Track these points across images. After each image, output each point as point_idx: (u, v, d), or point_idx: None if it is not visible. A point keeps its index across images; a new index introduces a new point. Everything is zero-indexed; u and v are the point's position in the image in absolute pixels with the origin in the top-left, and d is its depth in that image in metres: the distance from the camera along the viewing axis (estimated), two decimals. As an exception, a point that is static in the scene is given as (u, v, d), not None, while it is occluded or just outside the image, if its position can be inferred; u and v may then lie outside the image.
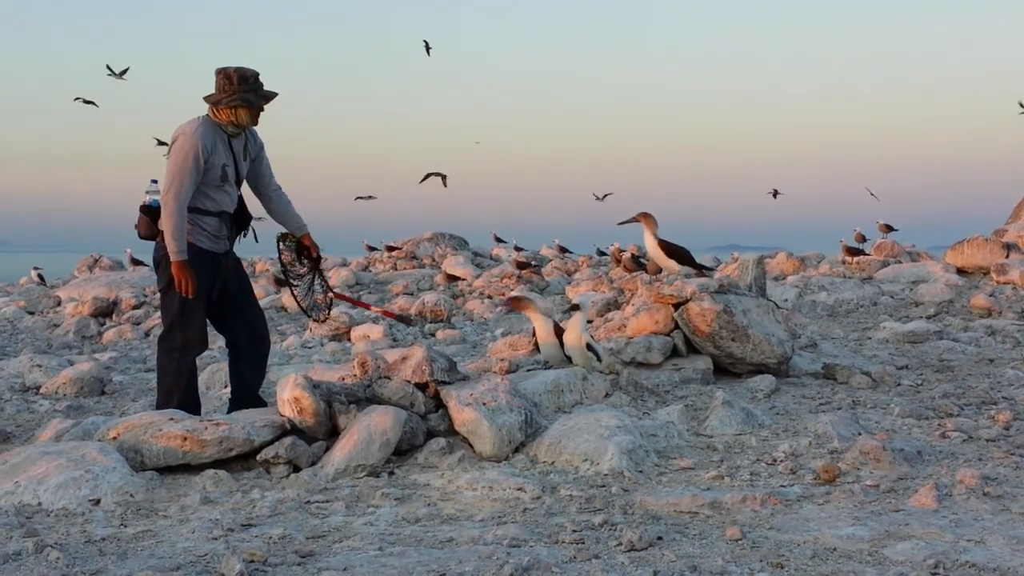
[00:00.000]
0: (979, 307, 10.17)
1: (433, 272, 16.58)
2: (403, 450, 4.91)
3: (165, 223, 5.26)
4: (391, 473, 4.68)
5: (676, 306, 6.56)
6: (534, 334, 6.33)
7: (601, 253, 18.58)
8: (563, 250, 19.47)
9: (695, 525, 3.82)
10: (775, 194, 16.64)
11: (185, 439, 4.75)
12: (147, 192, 5.42)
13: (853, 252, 14.85)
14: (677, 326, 6.58)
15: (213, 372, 7.93)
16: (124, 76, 12.91)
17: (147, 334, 12.47)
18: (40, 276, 17.84)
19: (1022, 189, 16.63)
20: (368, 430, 4.77)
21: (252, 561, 3.38)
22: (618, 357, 6.28)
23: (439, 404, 5.18)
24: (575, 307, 5.88)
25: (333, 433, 5.01)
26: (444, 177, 14.83)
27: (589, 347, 5.92)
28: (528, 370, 6.37)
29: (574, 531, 3.70)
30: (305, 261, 6.09)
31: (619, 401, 5.75)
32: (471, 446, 4.91)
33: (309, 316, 6.29)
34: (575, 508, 4.06)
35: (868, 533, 3.60)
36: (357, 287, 15.52)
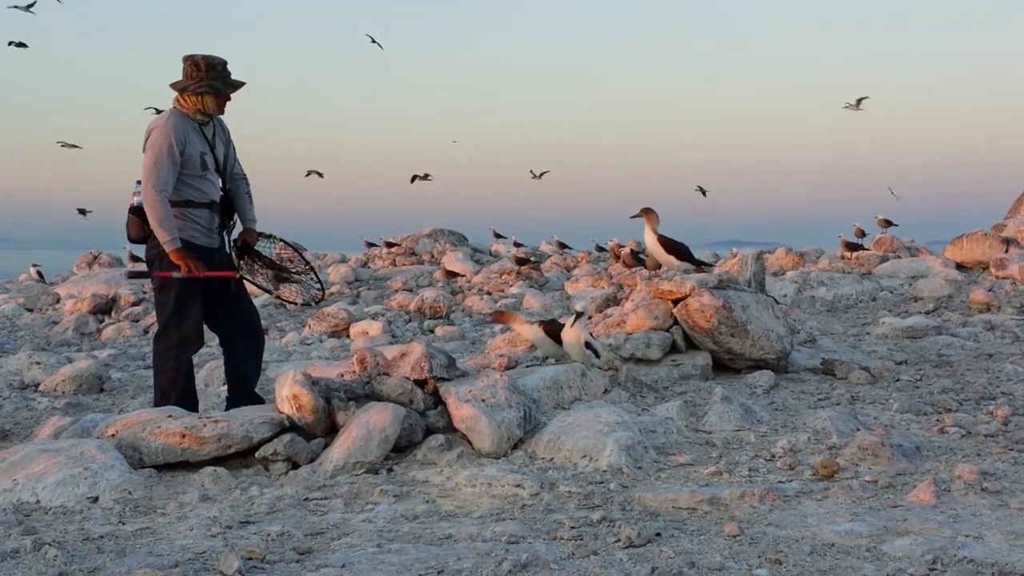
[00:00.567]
0: (978, 302, 10.17)
1: (432, 268, 16.56)
2: (402, 447, 4.91)
3: (150, 216, 5.23)
4: (390, 470, 4.68)
5: (675, 302, 6.56)
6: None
7: (600, 249, 18.57)
8: (562, 246, 19.46)
9: (693, 521, 3.82)
10: (703, 191, 16.36)
11: (184, 436, 4.75)
12: (134, 194, 5.39)
13: (852, 247, 14.85)
14: (676, 322, 6.57)
15: (212, 369, 7.92)
16: (32, 9, 12.15)
17: (146, 331, 12.45)
18: (39, 273, 17.82)
19: (1021, 184, 16.63)
20: (367, 427, 4.77)
21: (250, 558, 3.38)
22: (617, 353, 6.28)
23: (438, 401, 5.18)
24: (579, 315, 5.90)
25: (332, 430, 5.01)
26: (427, 176, 14.97)
27: (588, 345, 5.92)
28: (527, 366, 6.37)
29: (572, 528, 3.70)
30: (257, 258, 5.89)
31: (618, 397, 5.75)
32: (470, 443, 4.91)
33: (308, 304, 6.18)
34: (574, 504, 4.06)
35: (866, 529, 3.60)
36: (357, 284, 15.51)
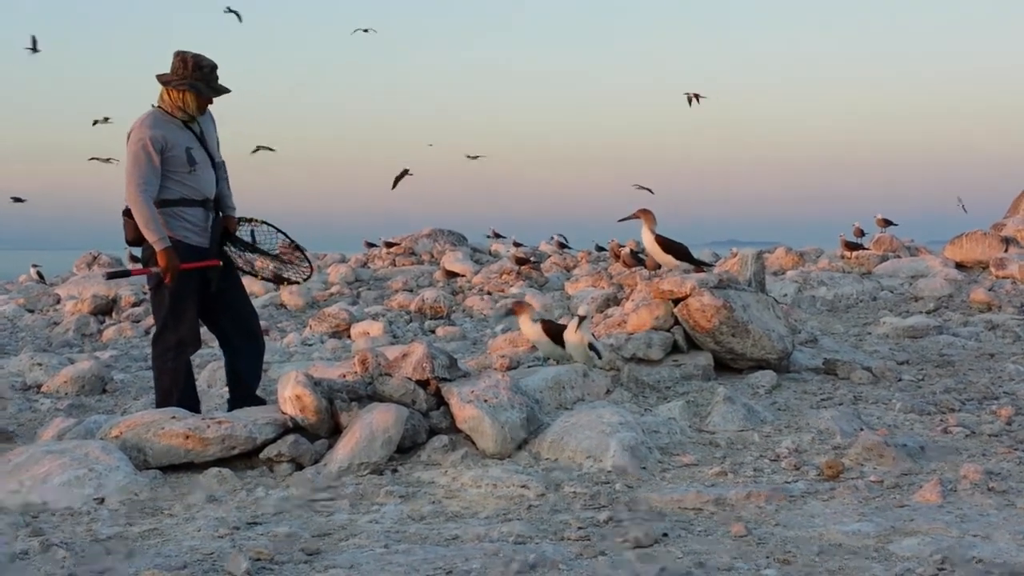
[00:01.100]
0: (978, 301, 10.17)
1: (432, 268, 16.56)
2: (405, 448, 4.91)
3: (136, 216, 5.21)
4: (394, 471, 4.68)
5: (676, 302, 6.55)
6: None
7: (600, 249, 18.56)
8: (562, 246, 19.46)
9: (700, 521, 3.82)
10: (647, 189, 15.43)
11: (187, 437, 4.74)
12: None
13: (852, 247, 14.84)
14: (677, 322, 6.57)
15: (214, 370, 7.90)
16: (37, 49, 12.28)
17: (147, 332, 12.43)
18: (39, 274, 17.79)
19: (1020, 183, 16.64)
20: (370, 428, 4.77)
21: (259, 559, 3.38)
22: (618, 354, 6.27)
23: (440, 401, 5.18)
24: (582, 318, 5.91)
25: (335, 431, 5.00)
26: (407, 172, 15.08)
27: (591, 346, 5.92)
28: (529, 366, 6.36)
29: (579, 528, 3.70)
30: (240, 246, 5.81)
31: (620, 397, 5.75)
32: (473, 443, 4.91)
33: (297, 280, 6.07)
34: (579, 505, 4.06)
35: (874, 529, 3.60)
36: (357, 284, 15.50)
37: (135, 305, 14.02)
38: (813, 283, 11.91)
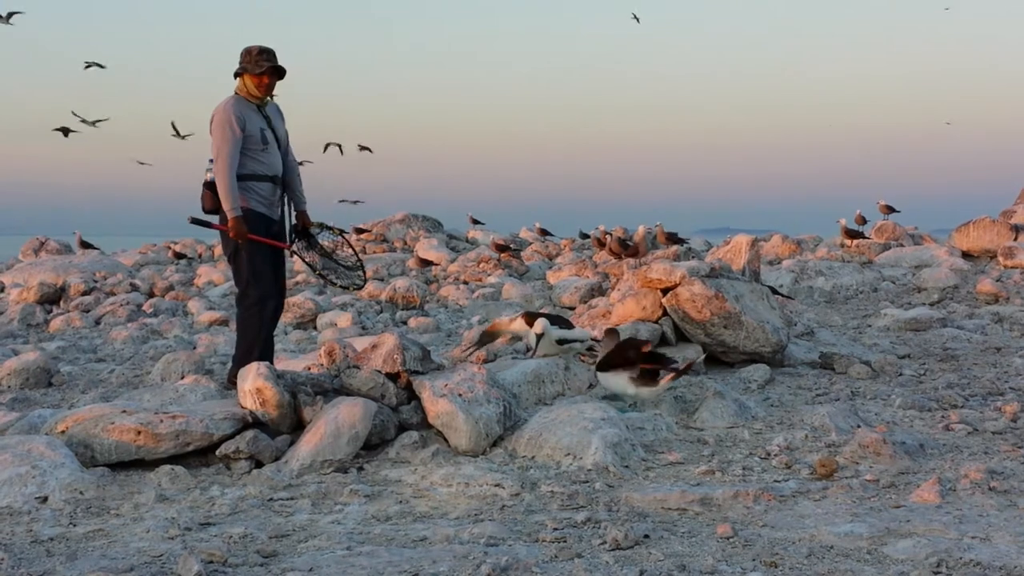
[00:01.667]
0: (985, 293, 10.24)
1: (405, 256, 16.55)
2: (373, 444, 4.92)
3: (219, 186, 6.05)
4: (360, 468, 4.68)
5: (664, 291, 6.58)
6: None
7: (584, 236, 18.59)
8: (544, 232, 19.47)
9: (684, 522, 3.83)
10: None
11: (139, 433, 4.74)
12: (207, 171, 6.22)
13: (853, 235, 14.89)
14: (666, 312, 6.60)
15: (169, 363, 7.88)
16: (10, 21, 12.76)
17: (98, 322, 12.40)
18: (-18, 260, 17.70)
19: (1031, 168, 16.72)
20: (336, 423, 4.77)
21: (211, 562, 3.37)
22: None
23: (412, 395, 5.19)
24: (540, 336, 5.99)
25: (298, 426, 5.00)
26: (340, 146, 15.28)
27: (562, 341, 6.00)
28: (512, 358, 6.38)
29: (555, 529, 3.71)
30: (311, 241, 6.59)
31: (603, 392, 5.77)
32: (446, 440, 4.92)
33: (350, 286, 6.65)
34: (557, 505, 4.07)
35: (867, 530, 3.62)
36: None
37: (85, 294, 13.95)
38: (811, 273, 11.96)
